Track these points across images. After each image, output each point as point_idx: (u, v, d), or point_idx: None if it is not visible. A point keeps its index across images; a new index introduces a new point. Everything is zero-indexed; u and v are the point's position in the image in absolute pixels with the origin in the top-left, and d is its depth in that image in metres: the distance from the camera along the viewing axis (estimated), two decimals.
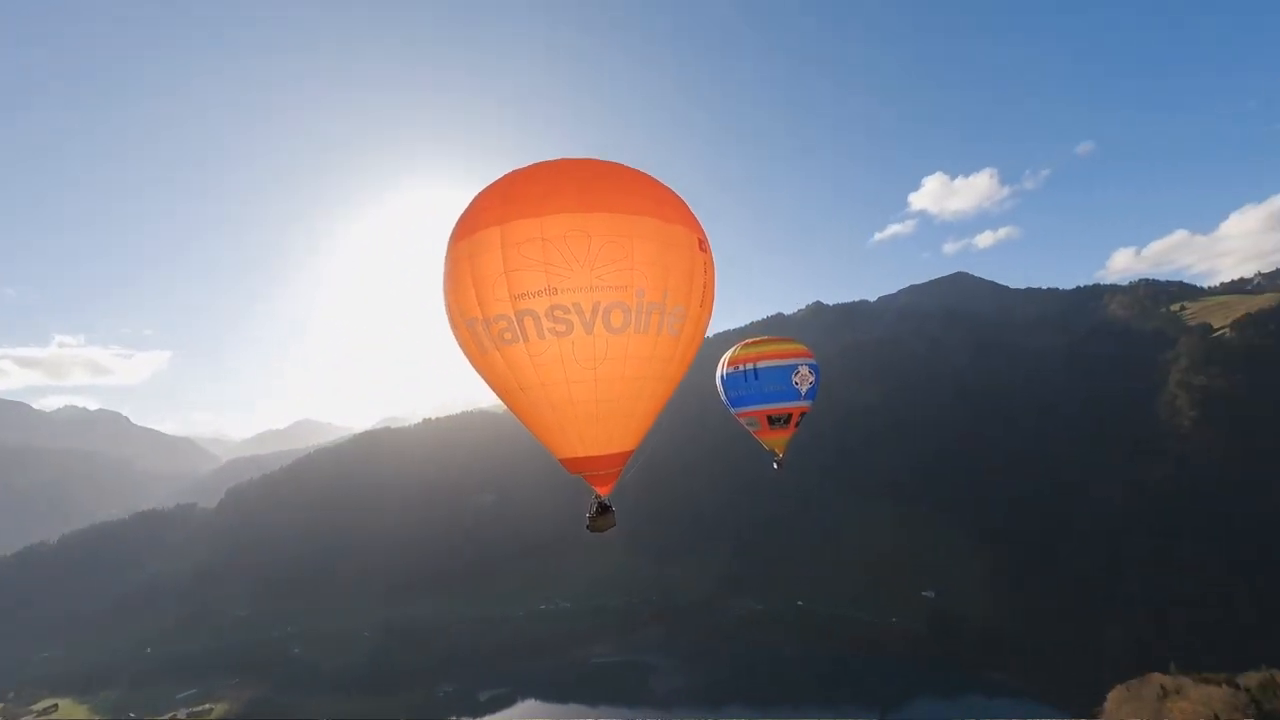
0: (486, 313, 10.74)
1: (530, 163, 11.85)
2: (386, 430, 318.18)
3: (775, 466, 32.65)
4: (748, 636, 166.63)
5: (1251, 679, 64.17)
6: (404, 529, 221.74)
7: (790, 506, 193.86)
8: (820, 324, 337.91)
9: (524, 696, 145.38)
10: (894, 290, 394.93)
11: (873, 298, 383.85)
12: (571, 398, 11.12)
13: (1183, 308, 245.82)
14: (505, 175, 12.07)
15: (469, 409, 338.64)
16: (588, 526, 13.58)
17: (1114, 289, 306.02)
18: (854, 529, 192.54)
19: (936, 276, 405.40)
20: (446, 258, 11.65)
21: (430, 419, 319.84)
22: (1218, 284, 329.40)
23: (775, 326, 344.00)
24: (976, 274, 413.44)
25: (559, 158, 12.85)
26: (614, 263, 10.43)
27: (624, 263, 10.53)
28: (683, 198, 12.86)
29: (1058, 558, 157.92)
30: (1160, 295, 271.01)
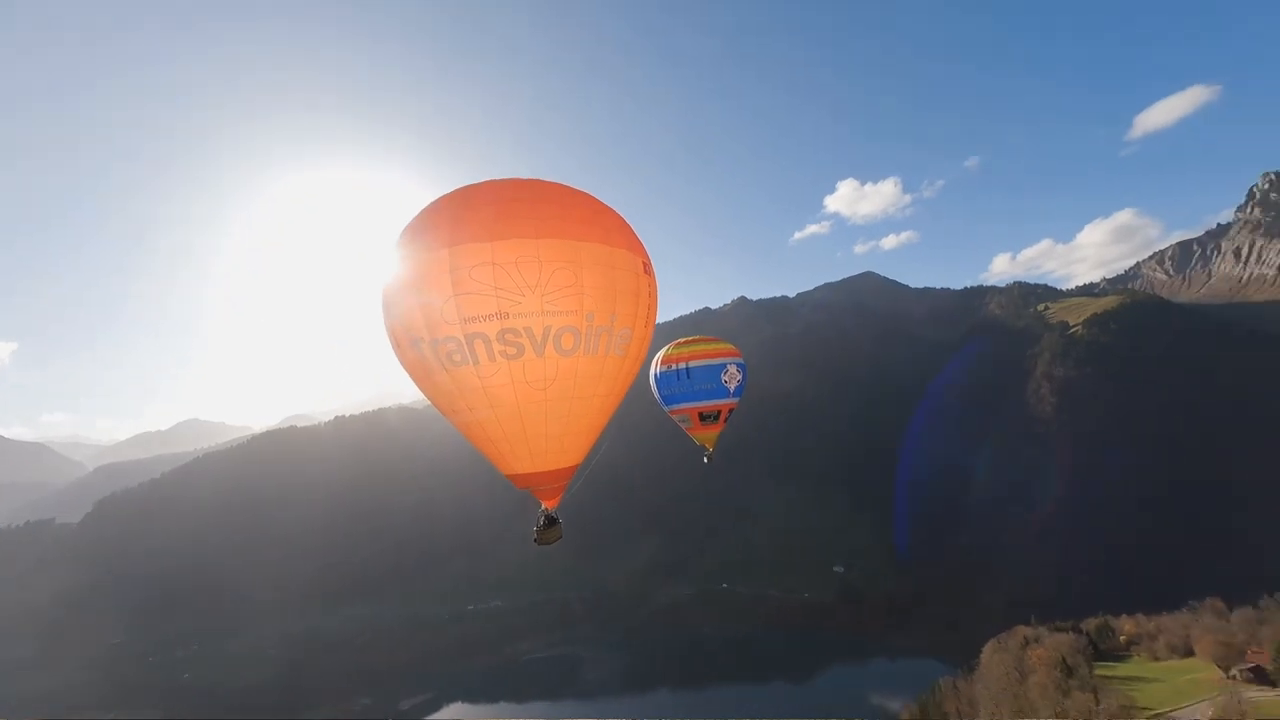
0: (434, 334, 10.55)
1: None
2: (292, 429, 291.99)
3: (706, 460, 34.50)
4: (675, 621, 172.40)
5: (1091, 624, 76.69)
6: (316, 535, 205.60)
7: (714, 493, 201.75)
8: (744, 318, 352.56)
9: (449, 700, 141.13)
10: (811, 287, 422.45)
11: (792, 294, 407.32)
12: (521, 417, 11.21)
13: (1046, 307, 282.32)
14: (451, 194, 11.69)
15: (388, 404, 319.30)
16: (535, 540, 13.52)
17: (993, 290, 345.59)
18: (772, 511, 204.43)
19: (848, 275, 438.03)
20: (388, 278, 11.22)
21: (344, 416, 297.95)
22: (1074, 287, 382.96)
23: (702, 319, 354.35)
24: (882, 273, 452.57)
25: (510, 177, 12.49)
26: (565, 288, 10.54)
27: (574, 288, 10.66)
28: (626, 220, 12.88)
29: (945, 532, 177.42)
30: (1029, 296, 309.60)
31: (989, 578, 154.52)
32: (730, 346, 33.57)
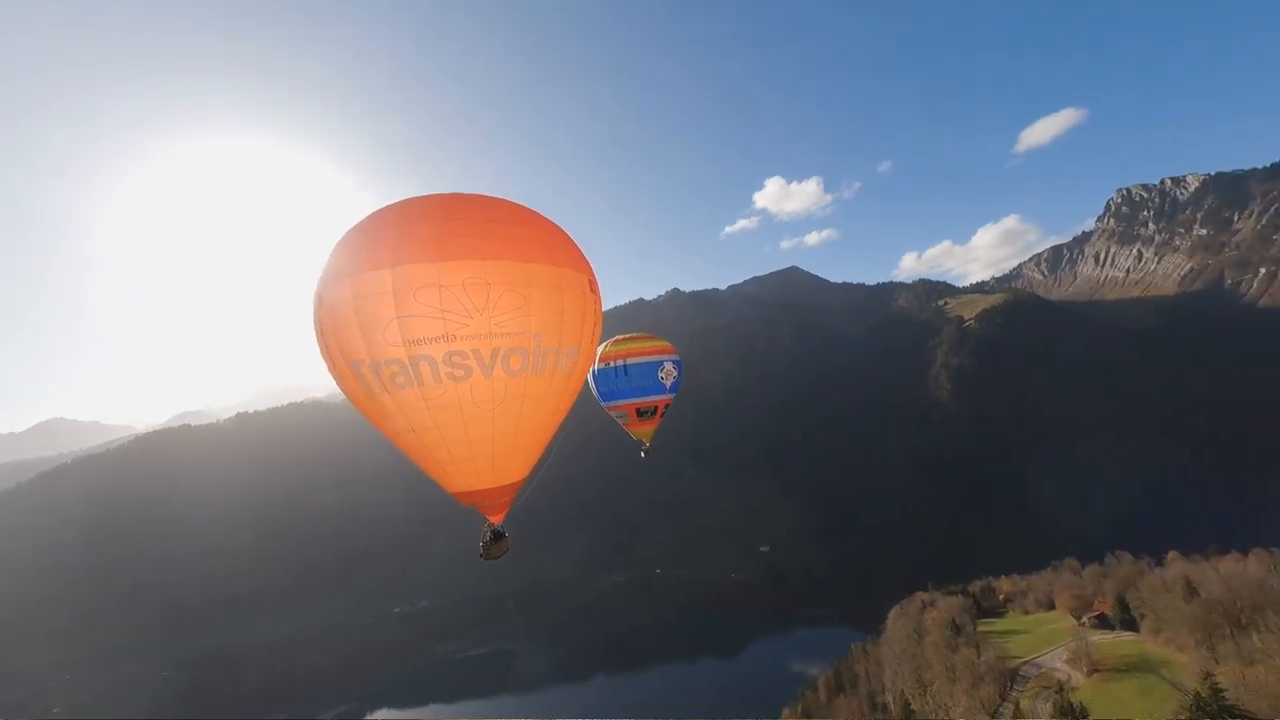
0: (376, 356, 10.17)
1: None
2: (185, 429, 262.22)
3: (643, 455, 35.60)
4: (609, 610, 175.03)
5: (976, 586, 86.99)
6: (218, 543, 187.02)
7: (646, 483, 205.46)
8: (677, 309, 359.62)
9: (374, 708, 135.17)
10: (740, 280, 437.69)
11: (723, 286, 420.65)
12: (468, 438, 11.10)
13: (945, 303, 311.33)
14: (390, 209, 11.19)
15: (298, 398, 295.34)
16: (482, 555, 13.26)
17: (902, 286, 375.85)
18: (703, 497, 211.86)
19: (774, 269, 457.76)
20: (323, 295, 10.61)
21: (247, 413, 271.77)
22: (969, 284, 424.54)
23: (638, 310, 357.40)
24: (805, 268, 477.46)
25: (455, 192, 12.07)
26: (513, 310, 10.45)
27: (522, 309, 10.58)
28: (570, 236, 12.84)
29: (859, 511, 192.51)
30: (932, 292, 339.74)
31: (895, 549, 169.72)
32: (666, 344, 34.48)
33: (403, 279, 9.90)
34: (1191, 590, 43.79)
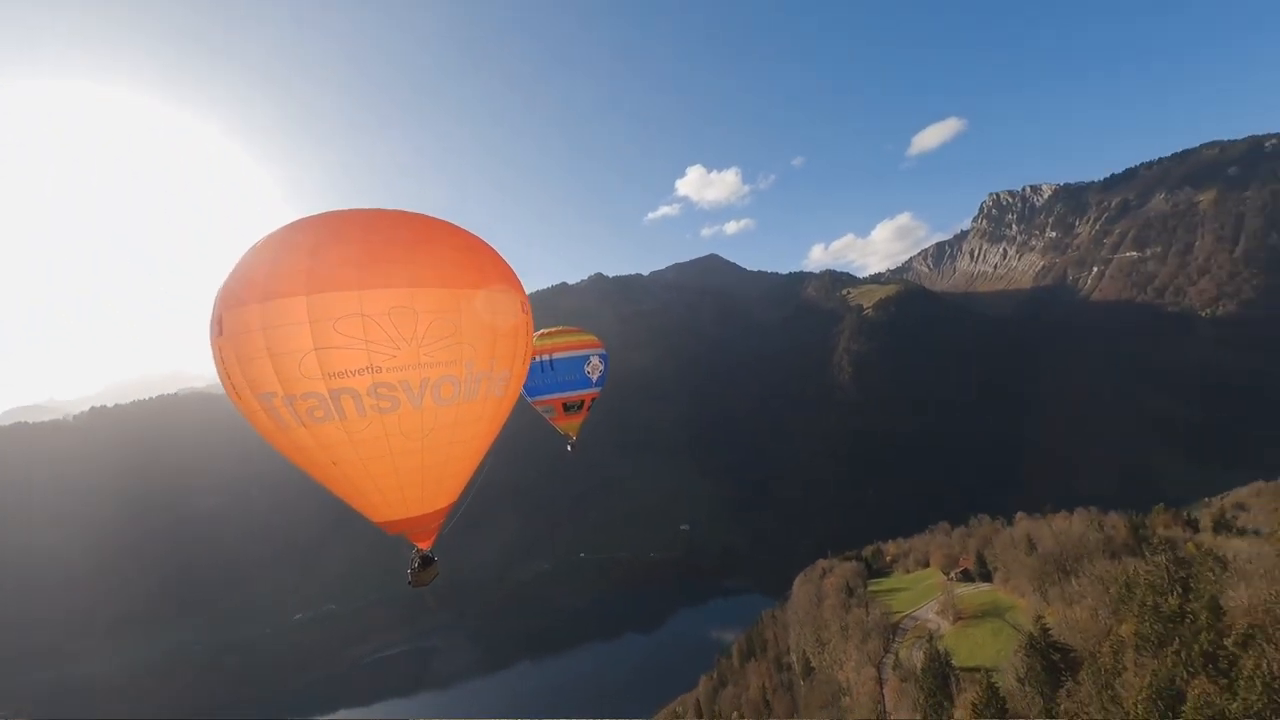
0: (290, 390, 9.33)
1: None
2: (20, 426, 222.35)
3: (569, 449, 36.04)
4: (533, 596, 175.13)
5: (868, 550, 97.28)
6: (73, 561, 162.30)
7: (569, 470, 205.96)
8: (601, 294, 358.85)
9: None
10: (663, 266, 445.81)
11: (646, 272, 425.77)
12: (396, 468, 10.51)
13: (848, 292, 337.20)
14: (302, 225, 10.13)
15: (171, 388, 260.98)
16: (410, 583, 12.57)
17: (810, 275, 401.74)
18: (625, 481, 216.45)
19: (695, 257, 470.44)
20: (225, 320, 9.61)
21: (103, 407, 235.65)
22: (868, 275, 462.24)
23: (560, 294, 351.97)
24: (724, 256, 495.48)
25: (374, 208, 11.31)
26: (443, 339, 9.89)
27: (453, 338, 10.03)
28: (501, 255, 12.34)
29: (770, 489, 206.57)
30: (837, 283, 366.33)
31: (803, 522, 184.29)
32: (593, 337, 34.68)
33: (321, 308, 9.08)
34: (1031, 545, 52.44)
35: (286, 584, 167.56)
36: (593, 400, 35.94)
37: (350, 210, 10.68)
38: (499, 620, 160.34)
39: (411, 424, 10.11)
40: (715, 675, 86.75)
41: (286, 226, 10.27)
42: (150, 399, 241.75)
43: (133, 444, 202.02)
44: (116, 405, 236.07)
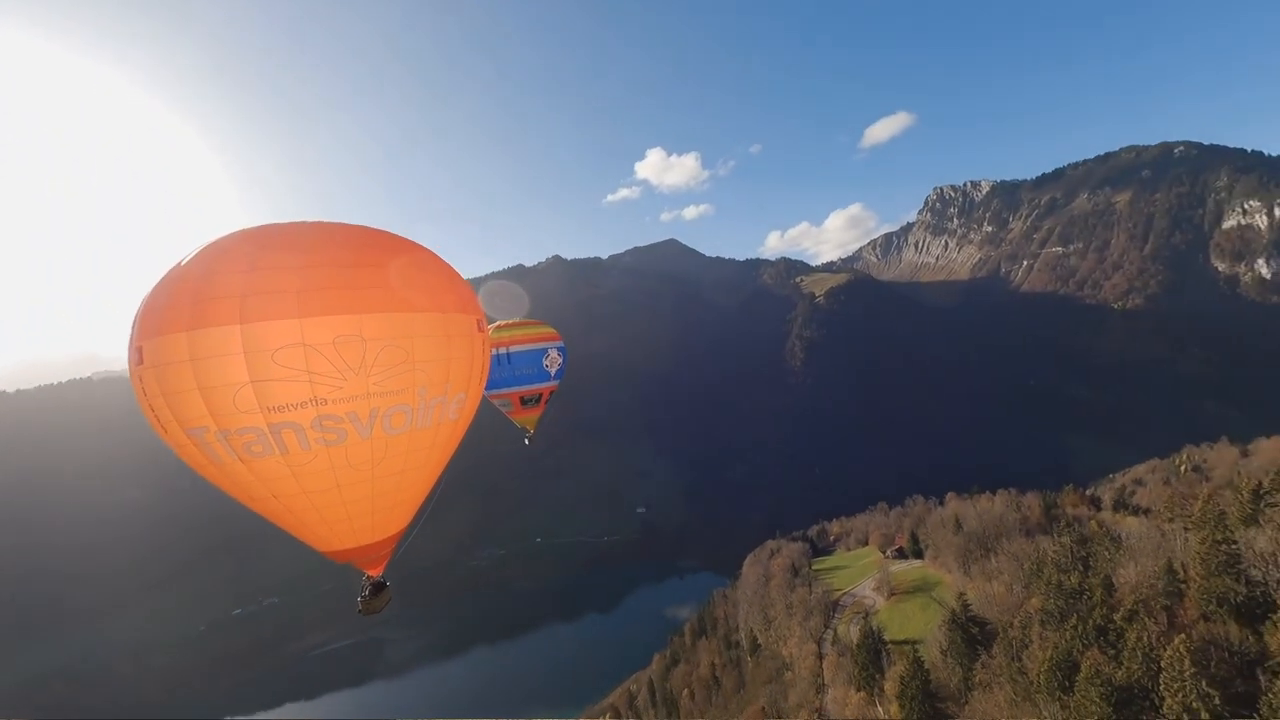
0: (224, 424, 8.58)
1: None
2: None
3: (526, 442, 35.65)
4: (490, 582, 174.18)
5: (814, 530, 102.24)
6: None
7: (526, 455, 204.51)
8: (559, 276, 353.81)
9: (216, 717, 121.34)
10: (622, 250, 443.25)
11: (605, 255, 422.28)
12: (343, 500, 9.88)
13: (801, 280, 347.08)
14: (236, 242, 9.19)
15: (86, 374, 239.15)
16: (360, 610, 11.89)
17: (766, 263, 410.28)
18: (582, 465, 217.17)
19: (655, 241, 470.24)
20: (146, 350, 8.73)
21: (3, 391, 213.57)
22: (821, 263, 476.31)
23: (518, 276, 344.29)
24: (683, 241, 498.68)
25: (313, 220, 10.30)
26: (394, 366, 9.20)
27: (404, 365, 9.35)
28: (454, 269, 11.54)
29: (724, 470, 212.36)
30: (791, 270, 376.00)
31: (753, 502, 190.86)
32: (551, 330, 33.89)
33: (257, 338, 8.31)
34: (958, 524, 56.59)
35: (222, 579, 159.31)
36: (551, 393, 35.57)
37: (288, 225, 9.77)
38: (454, 607, 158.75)
39: (360, 455, 9.48)
40: (668, 654, 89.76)
41: (215, 242, 9.35)
42: (59, 383, 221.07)
43: (36, 430, 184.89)
44: (19, 390, 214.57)
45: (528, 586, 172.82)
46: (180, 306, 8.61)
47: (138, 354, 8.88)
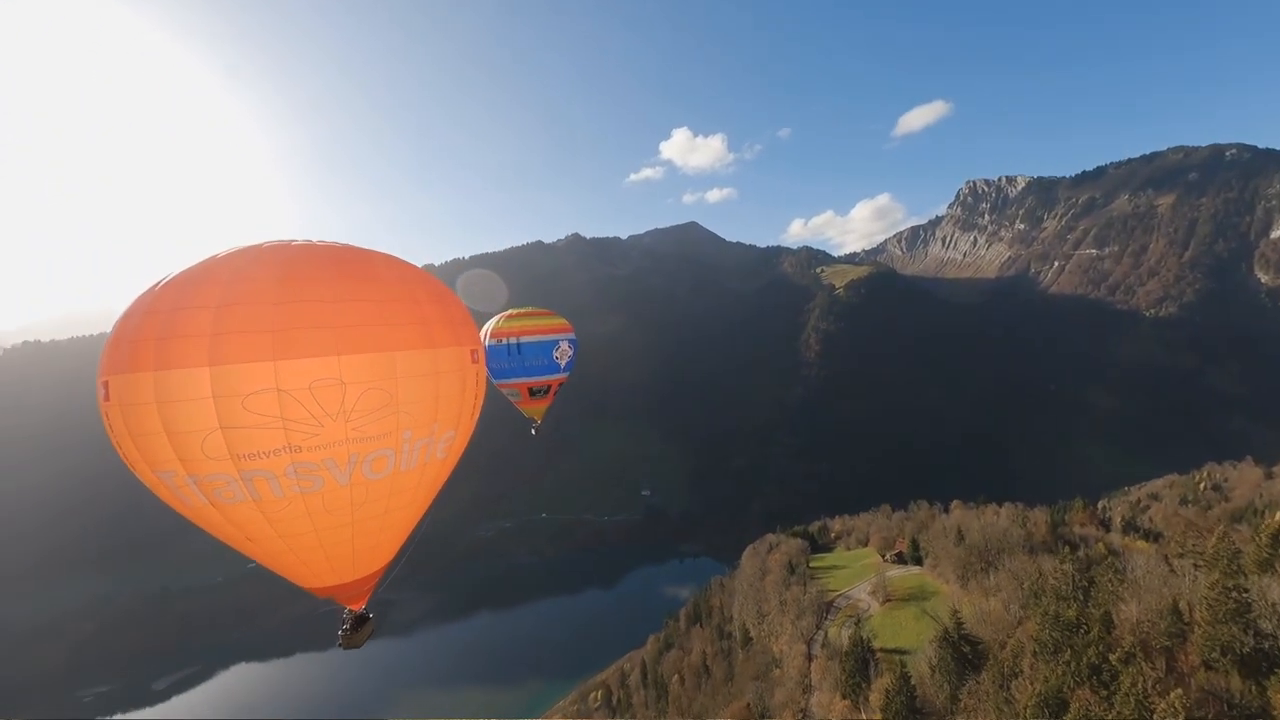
0: (192, 470, 8.17)
1: None
2: None
3: (533, 432, 35.49)
4: (494, 553, 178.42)
5: (815, 526, 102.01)
6: (8, 499, 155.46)
7: (548, 412, 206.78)
8: (577, 255, 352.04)
9: (224, 667, 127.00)
10: (641, 231, 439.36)
11: (624, 235, 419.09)
12: (321, 543, 9.47)
13: (822, 270, 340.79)
14: (204, 273, 8.51)
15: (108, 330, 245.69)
16: (341, 644, 11.51)
17: (787, 251, 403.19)
18: (589, 444, 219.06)
19: (675, 223, 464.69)
20: (112, 387, 8.25)
21: (38, 342, 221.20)
22: (843, 254, 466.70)
23: (536, 253, 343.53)
24: (704, 224, 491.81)
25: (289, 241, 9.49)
26: (375, 411, 8.60)
27: (387, 408, 8.73)
28: (451, 292, 10.97)
29: (730, 458, 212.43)
30: (812, 260, 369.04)
31: (757, 492, 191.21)
32: (563, 321, 33.13)
33: (227, 382, 7.79)
34: (960, 535, 55.78)
35: None
36: (560, 385, 35.08)
37: (264, 248, 9.10)
38: (459, 575, 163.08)
39: (339, 501, 9.05)
40: (662, 637, 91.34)
41: (189, 270, 8.77)
42: (92, 336, 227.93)
43: (68, 381, 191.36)
44: (53, 340, 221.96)
45: (530, 560, 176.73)
46: (146, 342, 8.13)
47: (104, 389, 8.49)
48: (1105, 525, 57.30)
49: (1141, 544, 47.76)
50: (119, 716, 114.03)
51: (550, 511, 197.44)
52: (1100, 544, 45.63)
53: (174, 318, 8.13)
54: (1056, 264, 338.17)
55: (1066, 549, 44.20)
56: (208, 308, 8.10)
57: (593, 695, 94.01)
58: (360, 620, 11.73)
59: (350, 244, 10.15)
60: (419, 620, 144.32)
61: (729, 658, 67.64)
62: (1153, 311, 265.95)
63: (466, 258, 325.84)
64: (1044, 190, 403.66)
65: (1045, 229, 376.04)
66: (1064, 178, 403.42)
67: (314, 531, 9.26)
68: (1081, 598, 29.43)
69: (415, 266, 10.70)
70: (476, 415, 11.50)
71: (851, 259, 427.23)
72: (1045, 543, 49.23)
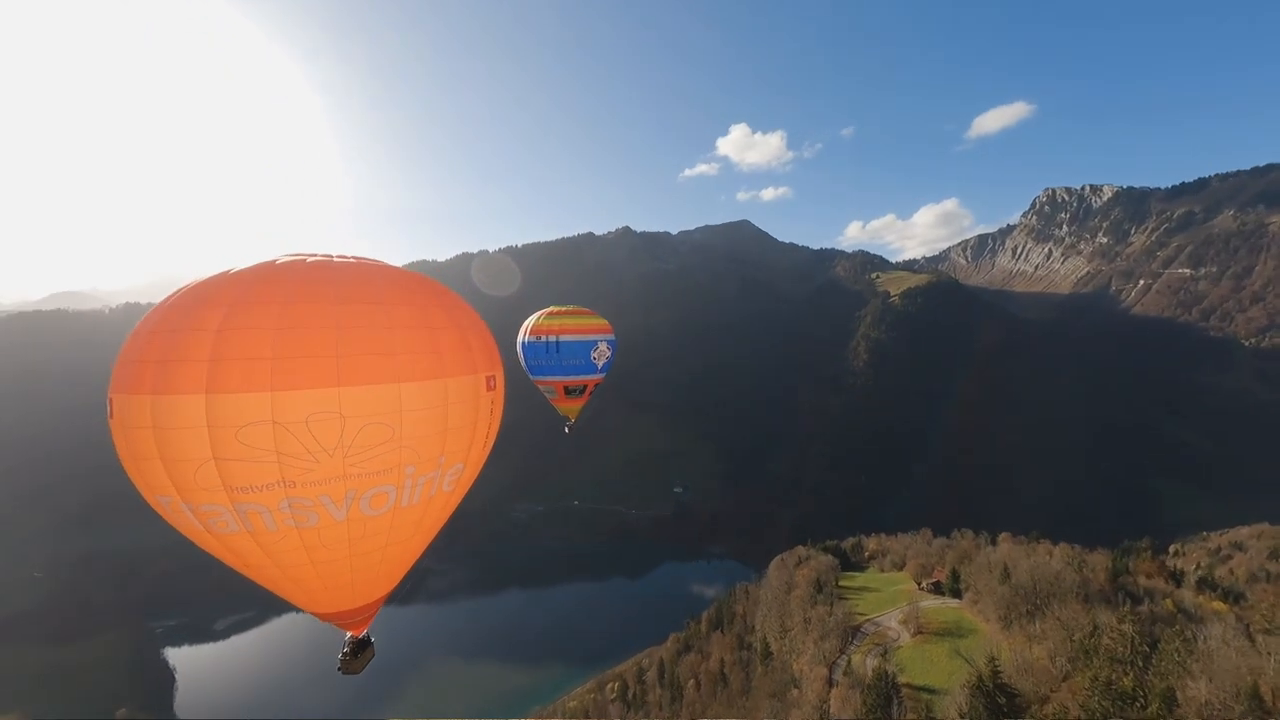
0: (187, 499, 8.05)
1: None
2: (60, 314, 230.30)
3: (566, 430, 35.55)
4: (526, 535, 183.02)
5: (849, 542, 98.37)
6: (93, 441, 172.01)
7: (582, 411, 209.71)
8: (627, 248, 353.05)
9: (276, 614, 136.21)
10: (692, 227, 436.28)
11: (674, 230, 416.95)
12: (320, 574, 9.27)
13: (877, 276, 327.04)
14: (208, 293, 8.32)
15: None
16: (340, 669, 11.22)
17: (841, 254, 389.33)
18: (625, 436, 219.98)
19: (727, 221, 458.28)
20: (115, 404, 8.14)
21: (137, 303, 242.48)
22: (902, 260, 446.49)
23: (585, 244, 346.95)
24: (756, 223, 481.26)
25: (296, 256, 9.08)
26: (376, 446, 8.24)
27: (389, 444, 8.35)
28: (472, 313, 10.40)
29: (766, 463, 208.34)
30: (867, 265, 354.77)
31: (790, 500, 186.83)
32: (603, 322, 32.73)
33: (222, 412, 7.52)
34: (1006, 573, 52.16)
35: None
36: (596, 385, 34.81)
37: (276, 266, 8.73)
38: (491, 552, 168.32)
39: (335, 535, 8.73)
40: (682, 638, 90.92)
41: (197, 286, 8.54)
42: None
43: None
44: (150, 304, 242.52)
45: (560, 544, 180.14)
46: (147, 363, 7.93)
47: (110, 405, 8.32)
48: (1176, 579, 51.93)
49: (1218, 605, 43.03)
50: (185, 647, 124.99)
51: (582, 499, 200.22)
52: (1168, 601, 41.32)
53: (175, 340, 7.91)
54: (1142, 282, 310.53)
55: (1128, 603, 40.32)
56: (209, 330, 7.82)
57: (610, 686, 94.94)
58: (361, 645, 11.38)
59: (370, 259, 9.72)
60: (452, 590, 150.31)
61: (747, 669, 66.47)
62: (1253, 341, 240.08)
63: (519, 246, 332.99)
64: (1134, 201, 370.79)
65: (1132, 244, 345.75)
66: (1158, 189, 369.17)
67: (311, 564, 9.02)
68: (1141, 664, 26.63)
69: (436, 284, 10.12)
70: (490, 444, 10.93)
71: (910, 265, 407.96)
72: (1103, 592, 45.14)
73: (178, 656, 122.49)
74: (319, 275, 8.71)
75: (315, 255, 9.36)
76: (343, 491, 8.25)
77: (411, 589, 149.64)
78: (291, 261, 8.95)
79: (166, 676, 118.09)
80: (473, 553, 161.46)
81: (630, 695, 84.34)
